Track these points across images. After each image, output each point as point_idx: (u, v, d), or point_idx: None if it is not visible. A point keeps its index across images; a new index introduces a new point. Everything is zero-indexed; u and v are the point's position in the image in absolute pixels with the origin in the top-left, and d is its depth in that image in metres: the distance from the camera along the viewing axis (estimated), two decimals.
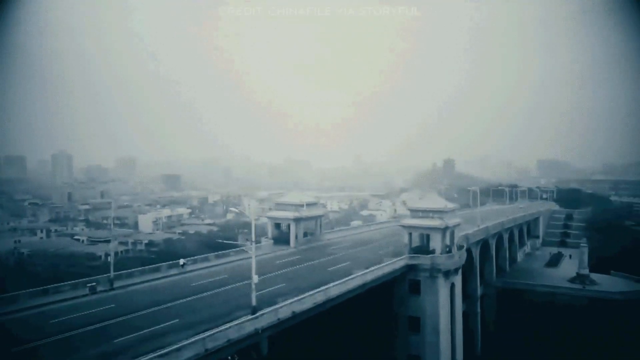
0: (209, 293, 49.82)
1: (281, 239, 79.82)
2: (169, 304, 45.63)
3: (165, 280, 55.68)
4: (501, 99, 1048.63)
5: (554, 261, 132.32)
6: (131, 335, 36.99)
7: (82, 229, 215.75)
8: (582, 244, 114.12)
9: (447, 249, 66.95)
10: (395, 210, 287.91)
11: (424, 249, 70.13)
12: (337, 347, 65.44)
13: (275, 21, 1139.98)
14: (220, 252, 69.10)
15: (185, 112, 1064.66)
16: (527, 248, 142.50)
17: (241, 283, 53.93)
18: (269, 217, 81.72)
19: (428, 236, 70.23)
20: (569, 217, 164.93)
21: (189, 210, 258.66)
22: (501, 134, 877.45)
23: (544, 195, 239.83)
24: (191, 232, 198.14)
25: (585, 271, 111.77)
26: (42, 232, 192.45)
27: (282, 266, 63.28)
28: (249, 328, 38.60)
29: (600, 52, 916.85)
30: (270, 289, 51.45)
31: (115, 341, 36.16)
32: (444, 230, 66.27)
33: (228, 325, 37.65)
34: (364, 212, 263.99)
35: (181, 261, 61.22)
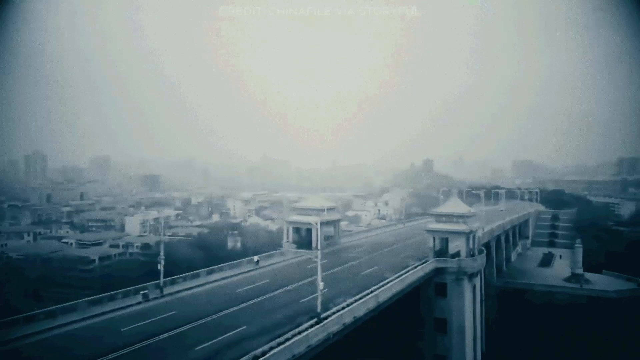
0: (258, 299, 50.81)
1: (301, 243, 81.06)
2: (227, 311, 46.61)
3: (209, 286, 56.52)
4: (474, 101, 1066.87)
5: (547, 261, 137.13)
6: (210, 343, 37.97)
7: (67, 232, 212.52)
8: (576, 244, 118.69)
9: (471, 253, 69.64)
10: (378, 211, 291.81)
11: (443, 252, 72.74)
12: (364, 349, 67.25)
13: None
14: (250, 257, 69.97)
15: (161, 111, 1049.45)
16: (519, 248, 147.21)
17: (286, 288, 55.37)
18: (289, 222, 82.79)
19: (447, 239, 72.92)
20: (555, 218, 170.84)
21: (176, 212, 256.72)
22: (475, 135, 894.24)
23: (526, 196, 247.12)
24: (181, 234, 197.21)
25: (580, 271, 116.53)
26: (28, 235, 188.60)
27: (315, 271, 64.59)
28: (322, 334, 40.09)
29: (576, 55, 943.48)
30: (316, 293, 52.89)
31: (196, 349, 37.18)
32: (468, 234, 68.95)
33: (308, 330, 39.04)
34: (349, 213, 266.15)
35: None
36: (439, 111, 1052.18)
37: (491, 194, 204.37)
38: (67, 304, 45.84)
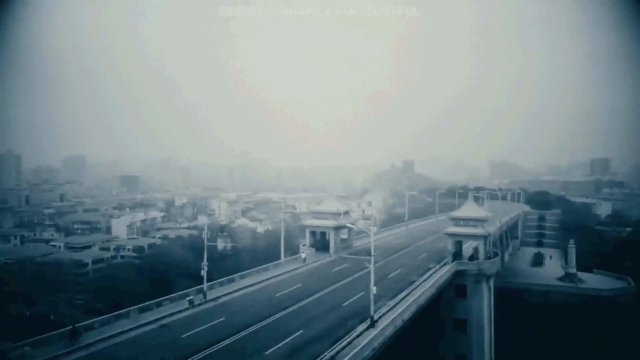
0: (301, 304, 51.96)
1: (317, 246, 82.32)
2: (276, 315, 47.67)
3: (245, 291, 57.38)
4: (449, 101, 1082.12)
5: (538, 261, 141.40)
6: (276, 347, 39.08)
7: (52, 234, 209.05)
8: (570, 245, 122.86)
9: (488, 255, 72.23)
10: (363, 212, 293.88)
11: (458, 254, 75.14)
12: (385, 349, 69.11)
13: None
14: (277, 261, 71.10)
15: (137, 110, 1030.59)
16: (510, 249, 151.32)
17: (322, 292, 56.66)
18: (307, 226, 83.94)
19: (461, 242, 75.51)
20: (542, 219, 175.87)
21: (162, 214, 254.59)
22: (451, 134, 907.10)
23: (508, 197, 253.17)
24: (172, 236, 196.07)
25: (574, 270, 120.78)
26: (15, 238, 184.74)
27: (343, 274, 66.15)
28: (381, 337, 41.68)
29: (553, 56, 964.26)
30: (355, 297, 54.48)
31: (266, 353, 38.33)
32: (486, 237, 71.48)
33: (371, 334, 40.60)
34: None
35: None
36: (420, 113, 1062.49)
37: (476, 195, 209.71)
38: (121, 311, 46.34)
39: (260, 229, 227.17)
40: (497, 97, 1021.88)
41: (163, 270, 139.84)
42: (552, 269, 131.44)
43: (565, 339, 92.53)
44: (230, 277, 60.52)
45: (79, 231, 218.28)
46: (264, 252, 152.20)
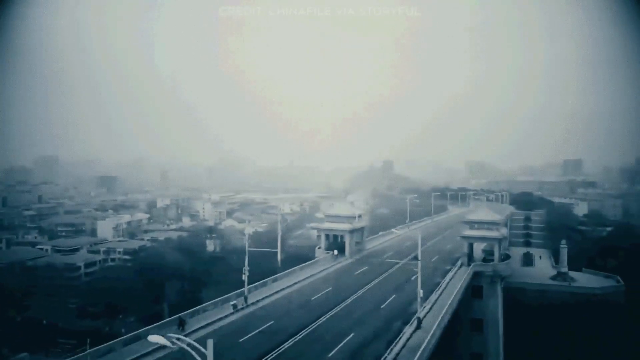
0: (340, 307, 53.47)
1: (331, 249, 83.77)
2: (322, 319, 49.10)
3: (281, 294, 58.65)
4: (426, 102, 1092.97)
5: (528, 261, 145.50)
6: (336, 350, 40.70)
7: (36, 237, 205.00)
8: (561, 245, 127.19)
9: (502, 257, 75.14)
10: None
11: (470, 256, 77.93)
12: None
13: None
14: (304, 264, 72.41)
15: (110, 109, 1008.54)
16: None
17: (356, 295, 58.34)
18: (322, 229, 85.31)
19: (472, 245, 78.36)
20: (528, 219, 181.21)
21: (147, 216, 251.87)
22: (430, 135, 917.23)
23: (491, 197, 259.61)
24: (161, 238, 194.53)
25: (565, 269, 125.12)
26: (1, 242, 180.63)
27: (367, 277, 67.96)
28: (434, 339, 43.63)
29: (532, 59, 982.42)
30: (389, 300, 56.41)
31: (329, 355, 39.86)
32: (500, 240, 74.36)
33: (427, 337, 42.52)
34: (319, 215, 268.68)
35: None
36: (402, 115, 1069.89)
37: (459, 196, 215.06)
38: (172, 317, 46.99)
39: (248, 230, 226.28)
40: (472, 100, 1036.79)
41: (158, 273, 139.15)
42: (544, 268, 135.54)
43: (568, 339, 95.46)
44: (263, 280, 61.55)
45: (63, 233, 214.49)
46: (260, 255, 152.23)
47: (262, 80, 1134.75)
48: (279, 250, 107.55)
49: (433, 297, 57.14)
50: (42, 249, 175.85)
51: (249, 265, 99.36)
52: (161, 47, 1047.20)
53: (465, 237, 75.54)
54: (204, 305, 50.88)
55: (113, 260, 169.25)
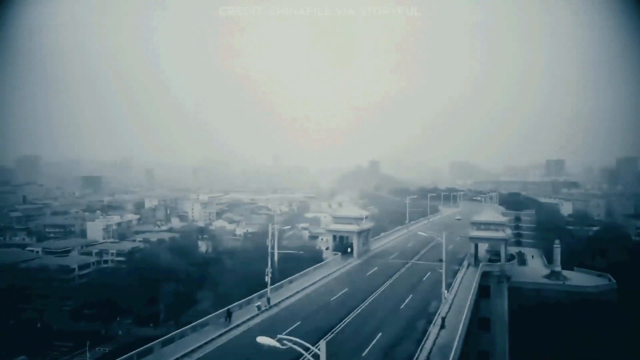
0: (362, 308, 54.42)
1: (339, 250, 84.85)
2: (347, 320, 50.02)
3: (300, 295, 59.45)
4: (407, 104, 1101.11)
5: (521, 261, 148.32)
6: (369, 349, 41.70)
7: (24, 239, 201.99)
8: (555, 245, 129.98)
9: (507, 258, 76.98)
10: None
11: (475, 256, 79.69)
12: None
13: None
14: (317, 265, 73.25)
15: (89, 109, 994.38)
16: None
17: (374, 296, 59.34)
18: (330, 230, 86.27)
19: (477, 245, 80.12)
20: (518, 219, 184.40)
21: (137, 217, 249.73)
22: (414, 135, 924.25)
23: (478, 197, 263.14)
24: (153, 239, 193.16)
25: (559, 268, 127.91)
26: None
27: (380, 278, 69.04)
28: (461, 339, 44.93)
29: (516, 59, 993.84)
30: (407, 300, 57.59)
31: (362, 354, 40.83)
32: (506, 240, 76.18)
33: (457, 338, 43.79)
34: (309, 215, 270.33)
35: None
36: (377, 113, 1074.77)
37: (451, 196, 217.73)
38: (202, 319, 47.45)
39: (239, 231, 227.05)
40: (455, 99, 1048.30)
41: (153, 275, 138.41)
42: (537, 268, 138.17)
43: (570, 337, 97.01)
44: (280, 282, 62.22)
45: (52, 235, 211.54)
46: (254, 256, 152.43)
47: (251, 80, 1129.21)
48: (275, 251, 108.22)
49: (449, 296, 58.42)
50: (32, 250, 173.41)
51: (247, 265, 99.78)
52: (146, 46, 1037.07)
53: (472, 238, 77.13)
54: (229, 307, 51.14)
55: (106, 262, 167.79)
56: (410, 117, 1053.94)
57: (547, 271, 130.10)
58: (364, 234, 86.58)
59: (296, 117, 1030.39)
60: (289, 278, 64.46)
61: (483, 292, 74.99)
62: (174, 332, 43.94)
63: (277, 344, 20.51)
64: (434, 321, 48.80)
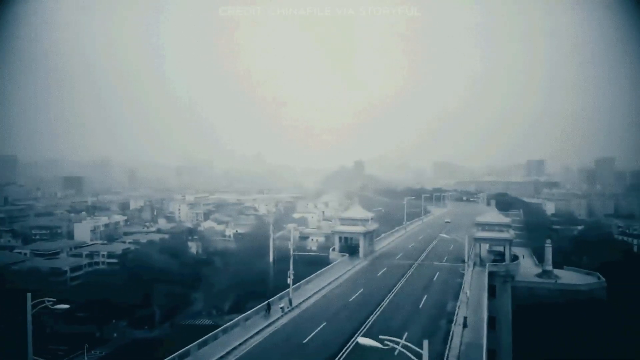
0: (382, 308, 55.54)
1: (343, 251, 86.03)
2: (371, 320, 51.05)
3: (319, 295, 60.40)
4: (393, 104, 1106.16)
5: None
6: (399, 349, 42.78)
7: (9, 241, 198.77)
8: (546, 244, 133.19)
9: (512, 258, 79.13)
10: (323, 213, 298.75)
11: (478, 256, 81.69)
12: None
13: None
14: (328, 266, 74.16)
15: (70, 108, 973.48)
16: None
17: (390, 297, 60.53)
18: (336, 232, 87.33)
19: (480, 245, 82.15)
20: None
21: (125, 218, 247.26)
22: (395, 135, 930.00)
23: (464, 198, 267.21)
24: (143, 241, 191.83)
25: (550, 267, 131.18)
26: None
27: (392, 278, 70.37)
28: (484, 338, 46.43)
29: (494, 59, 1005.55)
30: (424, 299, 58.99)
31: (395, 353, 41.82)
32: (510, 241, 78.28)
33: (484, 336, 45.30)
34: (296, 215, 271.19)
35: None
36: (363, 113, 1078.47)
37: (441, 197, 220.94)
38: (235, 320, 48.04)
39: (228, 232, 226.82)
40: (438, 99, 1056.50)
41: (146, 277, 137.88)
42: (528, 267, 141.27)
43: (567, 335, 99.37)
44: (296, 285, 62.92)
45: (38, 237, 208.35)
46: (246, 257, 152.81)
47: (238, 78, 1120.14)
48: (271, 251, 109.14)
49: (463, 296, 59.91)
50: (20, 252, 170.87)
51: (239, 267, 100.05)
52: (128, 43, 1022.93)
53: (477, 239, 79.03)
54: (254, 309, 51.75)
55: (97, 264, 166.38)
56: (397, 118, 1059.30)
57: (538, 270, 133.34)
58: (369, 235, 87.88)
59: (284, 116, 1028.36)
60: (306, 279, 65.22)
61: (489, 291, 76.80)
62: (217, 330, 45.61)
63: (379, 345, 21.48)
64: (454, 320, 50.11)
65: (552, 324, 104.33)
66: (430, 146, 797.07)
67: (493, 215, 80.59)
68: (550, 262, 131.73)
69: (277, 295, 56.21)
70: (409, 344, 23.18)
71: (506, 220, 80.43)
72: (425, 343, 22.63)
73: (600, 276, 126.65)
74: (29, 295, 32.65)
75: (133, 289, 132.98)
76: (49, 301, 33.67)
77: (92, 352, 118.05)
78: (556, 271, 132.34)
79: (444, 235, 77.84)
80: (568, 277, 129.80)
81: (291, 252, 56.28)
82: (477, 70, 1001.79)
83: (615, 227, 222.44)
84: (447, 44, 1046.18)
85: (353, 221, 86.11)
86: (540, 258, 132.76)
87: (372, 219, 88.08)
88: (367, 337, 45.10)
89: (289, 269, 66.91)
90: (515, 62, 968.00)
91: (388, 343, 21.98)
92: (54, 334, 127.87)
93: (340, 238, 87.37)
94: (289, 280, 54.81)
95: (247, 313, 49.98)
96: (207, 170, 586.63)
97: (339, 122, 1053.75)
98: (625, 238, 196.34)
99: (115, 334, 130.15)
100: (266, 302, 52.39)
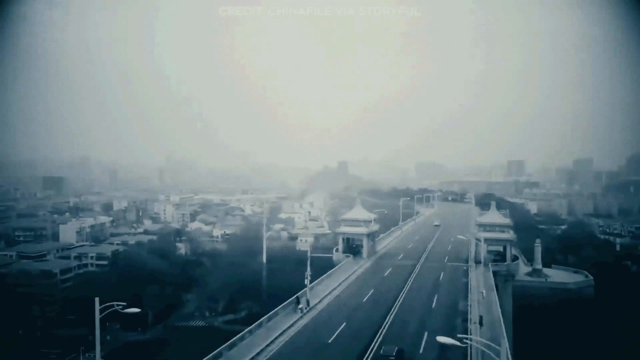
0: (396, 308, 56.66)
1: (347, 251, 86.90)
2: (389, 319, 52.12)
3: (332, 296, 61.20)
4: (379, 104, 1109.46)
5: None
6: (422, 347, 43.96)
7: None
8: (536, 244, 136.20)
9: (513, 258, 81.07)
10: (309, 213, 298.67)
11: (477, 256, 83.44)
12: None
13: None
14: (336, 267, 74.93)
15: (49, 107, 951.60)
16: None
17: (401, 297, 61.60)
18: (340, 233, 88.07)
19: (478, 245, 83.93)
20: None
21: (111, 219, 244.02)
22: (379, 135, 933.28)
23: (449, 198, 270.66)
24: (131, 242, 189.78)
25: (540, 266, 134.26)
26: None
27: (399, 278, 71.51)
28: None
29: (476, 57, 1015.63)
30: (435, 299, 60.26)
31: (420, 352, 43.07)
32: (511, 241, 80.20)
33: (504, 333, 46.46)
34: (283, 216, 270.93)
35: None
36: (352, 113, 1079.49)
37: (424, 197, 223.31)
38: (259, 321, 48.46)
39: (216, 232, 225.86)
40: (421, 99, 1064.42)
41: (137, 278, 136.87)
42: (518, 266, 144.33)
43: (565, 333, 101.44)
44: (310, 286, 63.52)
45: (22, 239, 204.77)
46: (235, 257, 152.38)
47: (233, 76, 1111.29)
48: (264, 251, 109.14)
49: (473, 296, 61.36)
50: (6, 255, 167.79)
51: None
52: (110, 41, 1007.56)
53: (479, 239, 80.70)
54: (276, 310, 52.22)
55: (86, 265, 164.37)
56: (382, 120, 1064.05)
57: (528, 269, 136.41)
58: (372, 236, 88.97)
59: (276, 114, 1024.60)
60: (318, 280, 65.88)
61: None
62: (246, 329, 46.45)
63: (458, 343, 22.42)
64: (469, 319, 51.40)
65: (545, 321, 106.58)
66: (413, 147, 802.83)
67: (494, 216, 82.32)
68: (540, 261, 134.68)
69: (295, 296, 56.64)
70: (489, 342, 24.03)
71: (506, 221, 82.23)
72: (504, 342, 23.59)
73: (588, 274, 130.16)
74: (97, 299, 32.29)
75: (124, 290, 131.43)
76: (118, 305, 32.56)
77: (87, 355, 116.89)
78: (545, 270, 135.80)
79: (461, 236, 79.27)
80: (557, 275, 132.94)
81: (308, 253, 56.87)
82: (463, 73, 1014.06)
83: (596, 226, 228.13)
84: (445, 47, 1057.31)
85: (356, 222, 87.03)
86: (529, 257, 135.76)
87: (374, 220, 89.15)
88: (388, 336, 46.82)
89: (281, 269, 68.00)
90: (495, 66, 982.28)
91: (466, 341, 22.78)
92: (47, 337, 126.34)
93: (343, 239, 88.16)
94: (306, 281, 55.43)
95: (272, 311, 50.70)
96: (190, 169, 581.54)
97: (325, 122, 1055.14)
98: (607, 237, 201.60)
99: (108, 337, 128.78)
100: (295, 296, 54.53)
